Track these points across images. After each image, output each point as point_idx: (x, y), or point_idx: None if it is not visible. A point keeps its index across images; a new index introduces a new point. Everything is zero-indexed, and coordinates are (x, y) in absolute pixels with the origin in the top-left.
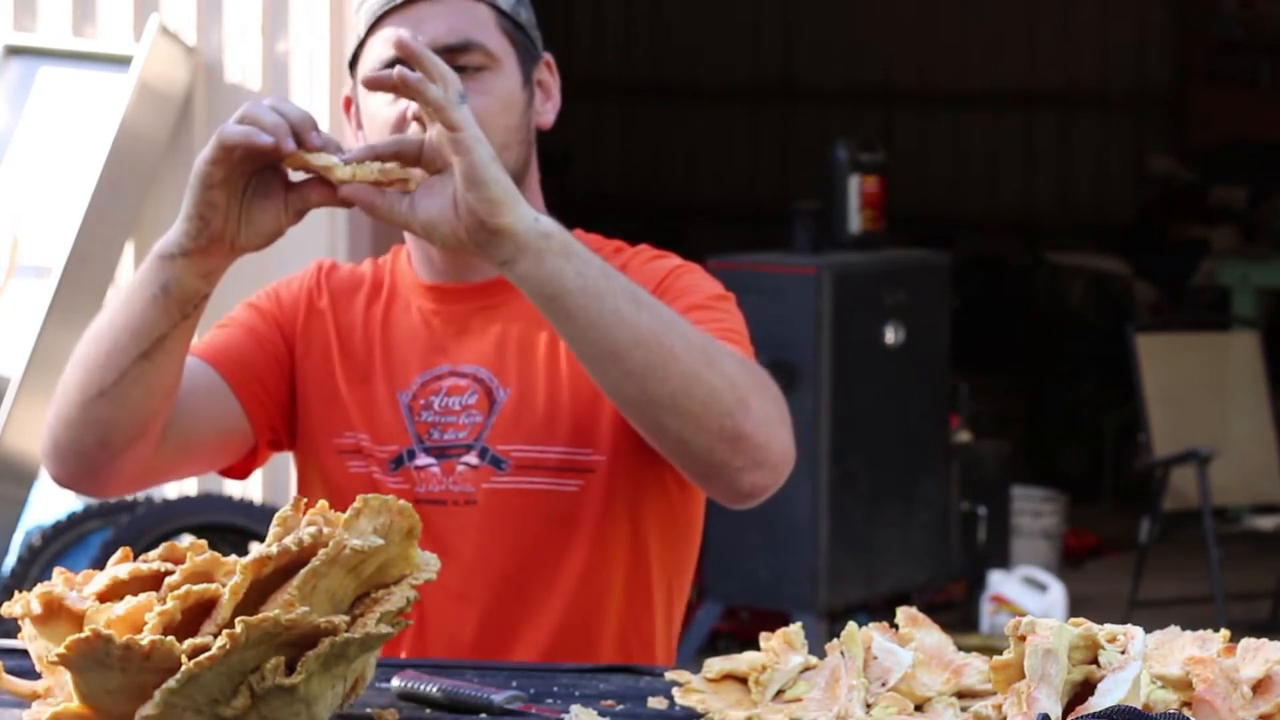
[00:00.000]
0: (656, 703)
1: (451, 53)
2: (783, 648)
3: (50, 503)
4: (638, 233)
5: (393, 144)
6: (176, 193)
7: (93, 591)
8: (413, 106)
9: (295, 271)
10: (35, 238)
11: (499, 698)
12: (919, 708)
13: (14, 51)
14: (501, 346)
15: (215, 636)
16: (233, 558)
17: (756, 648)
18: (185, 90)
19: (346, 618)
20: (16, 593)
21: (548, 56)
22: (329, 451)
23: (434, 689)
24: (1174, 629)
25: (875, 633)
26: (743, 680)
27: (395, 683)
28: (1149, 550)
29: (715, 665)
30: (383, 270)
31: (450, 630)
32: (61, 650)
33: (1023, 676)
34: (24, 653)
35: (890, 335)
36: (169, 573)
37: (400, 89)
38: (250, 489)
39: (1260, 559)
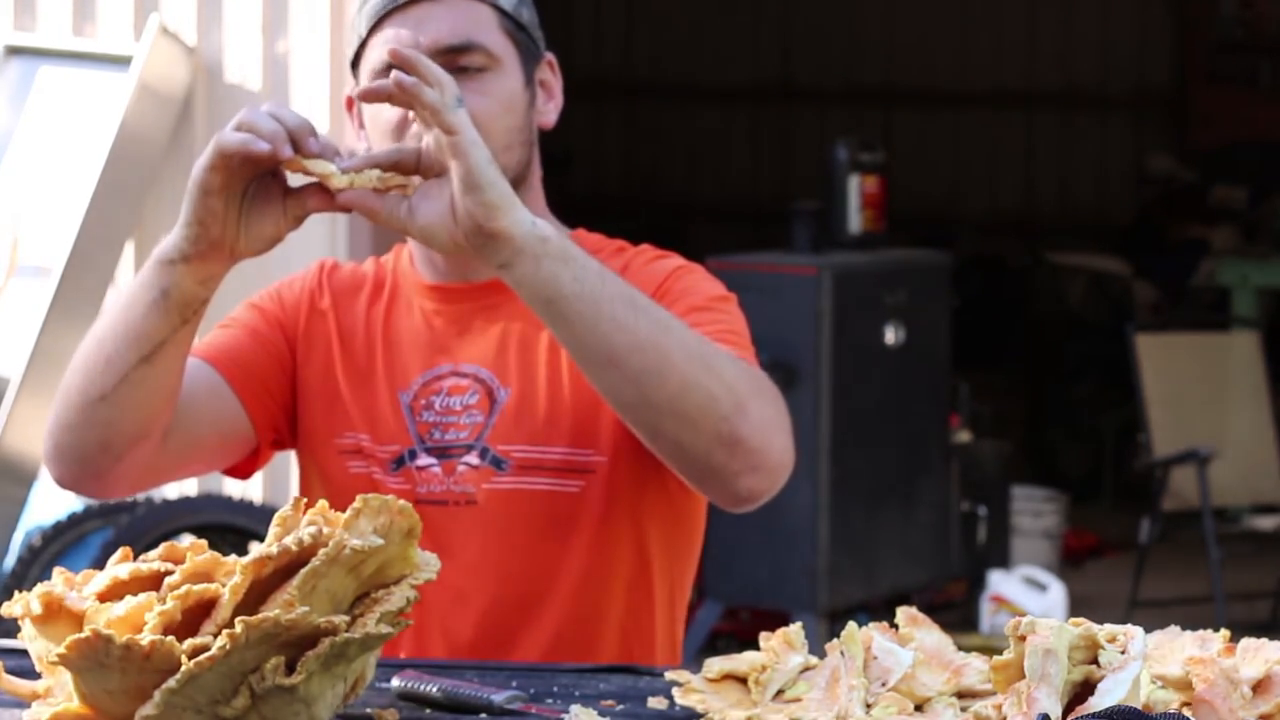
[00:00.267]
0: (656, 703)
1: (453, 53)
2: (783, 648)
3: (50, 503)
4: (638, 233)
5: (391, 153)
6: (176, 193)
7: (93, 591)
8: None
9: (297, 272)
10: (35, 238)
11: (499, 698)
12: (919, 708)
13: (14, 51)
14: (503, 346)
15: (215, 637)
16: (233, 558)
17: (756, 648)
18: (185, 90)
19: (346, 618)
20: (16, 593)
21: (550, 56)
22: (330, 452)
23: (434, 689)
24: (1174, 629)
25: (875, 633)
26: (743, 680)
27: (395, 683)
28: (1149, 550)
29: (715, 665)
30: (385, 270)
31: (450, 630)
32: (61, 650)
33: (1023, 676)
34: (24, 653)
35: (890, 335)
36: (169, 573)
37: (396, 96)
38: (250, 489)
39: (1260, 559)
